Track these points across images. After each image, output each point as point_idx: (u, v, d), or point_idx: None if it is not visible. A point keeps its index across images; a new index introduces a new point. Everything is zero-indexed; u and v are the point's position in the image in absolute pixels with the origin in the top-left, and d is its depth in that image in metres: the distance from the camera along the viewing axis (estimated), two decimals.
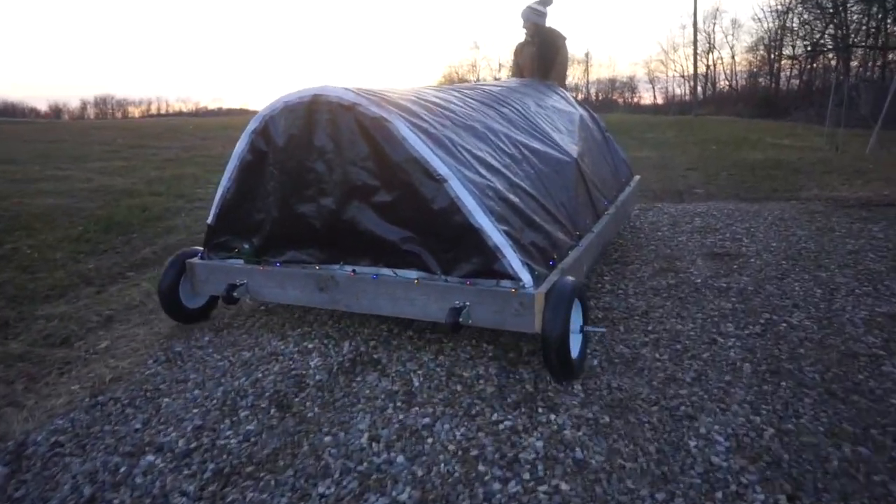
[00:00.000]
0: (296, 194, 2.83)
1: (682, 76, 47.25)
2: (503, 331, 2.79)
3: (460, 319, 2.45)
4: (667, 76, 52.68)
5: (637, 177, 5.17)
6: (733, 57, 47.03)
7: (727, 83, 44.30)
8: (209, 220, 3.13)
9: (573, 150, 3.72)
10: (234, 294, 3.00)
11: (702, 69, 45.48)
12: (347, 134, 2.65)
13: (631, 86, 55.48)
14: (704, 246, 4.48)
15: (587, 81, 57.19)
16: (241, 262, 3.05)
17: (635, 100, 54.58)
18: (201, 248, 3.22)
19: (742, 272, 3.87)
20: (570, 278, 2.52)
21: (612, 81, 56.74)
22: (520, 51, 5.40)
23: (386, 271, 2.70)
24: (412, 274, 2.65)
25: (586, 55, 57.15)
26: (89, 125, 21.45)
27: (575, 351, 2.48)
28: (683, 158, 10.17)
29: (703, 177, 7.93)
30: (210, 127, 20.14)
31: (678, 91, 50.01)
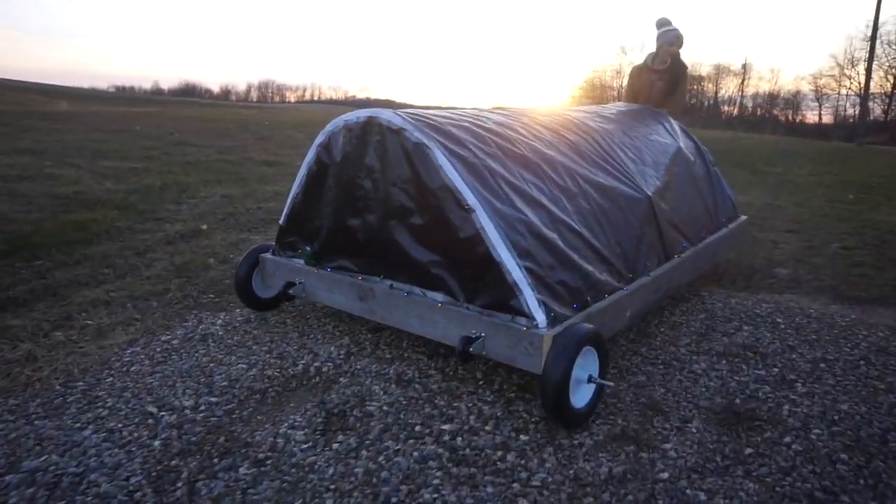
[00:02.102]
0: (347, 207, 3.01)
1: (858, 94, 41.14)
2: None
3: (471, 349, 2.47)
4: (839, 94, 46.76)
5: (743, 217, 4.76)
6: None
7: None
8: (281, 221, 3.41)
9: (650, 185, 3.54)
10: (291, 291, 3.26)
11: (887, 88, 39.58)
12: (393, 156, 2.78)
13: (794, 102, 50.58)
14: (724, 390, 2.78)
15: (741, 94, 53.15)
16: (303, 262, 3.30)
17: (798, 118, 49.56)
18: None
19: (759, 466, 2.24)
20: (587, 325, 2.44)
21: (773, 96, 52.12)
22: (637, 75, 5.17)
23: (418, 291, 2.79)
24: (439, 297, 2.71)
25: (743, 66, 53.20)
26: (186, 113, 19.82)
27: (579, 400, 2.39)
28: (794, 211, 7.29)
29: (804, 247, 5.47)
30: (292, 123, 17.67)
31: (851, 111, 44.44)
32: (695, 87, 51.25)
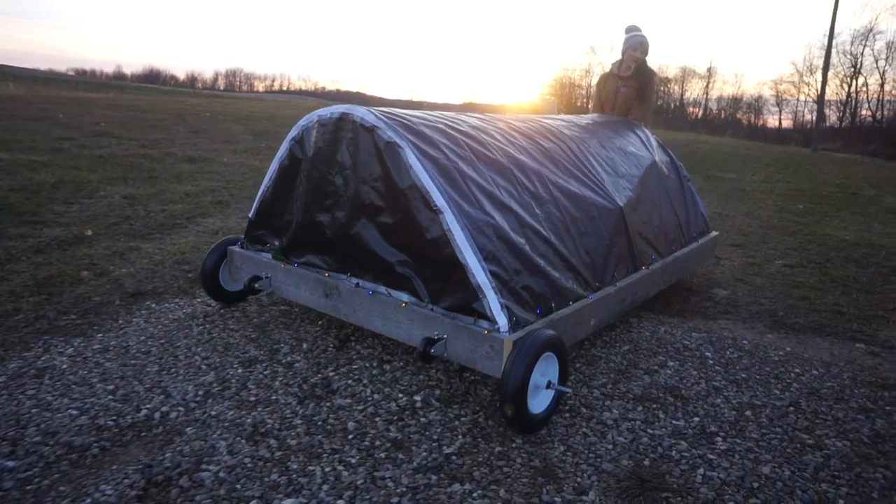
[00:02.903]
0: (316, 203, 2.99)
1: (815, 101, 42.98)
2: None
3: (432, 351, 2.46)
4: (798, 99, 48.20)
5: (714, 233, 4.82)
6: (882, 85, 40.75)
7: (870, 113, 39.53)
8: (250, 214, 3.38)
9: (623, 196, 3.57)
10: (257, 286, 3.22)
11: (842, 96, 40.43)
12: (364, 154, 2.76)
13: (756, 106, 51.85)
14: (634, 447, 2.40)
15: (706, 97, 54.25)
16: (270, 256, 3.27)
17: (759, 122, 50.86)
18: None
19: None
20: (549, 331, 2.44)
21: (736, 100, 53.35)
22: (603, 83, 5.10)
23: (383, 290, 2.78)
24: (404, 297, 2.70)
25: (709, 70, 54.50)
26: (139, 101, 18.07)
27: (537, 406, 2.40)
28: (741, 222, 7.22)
29: (746, 264, 5.30)
30: (236, 115, 16.28)
31: (809, 117, 45.63)
32: (662, 88, 52.25)
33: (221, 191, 6.87)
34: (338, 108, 2.89)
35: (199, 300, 3.69)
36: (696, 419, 2.66)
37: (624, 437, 2.47)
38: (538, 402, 2.42)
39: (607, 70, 5.15)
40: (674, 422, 2.62)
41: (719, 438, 2.51)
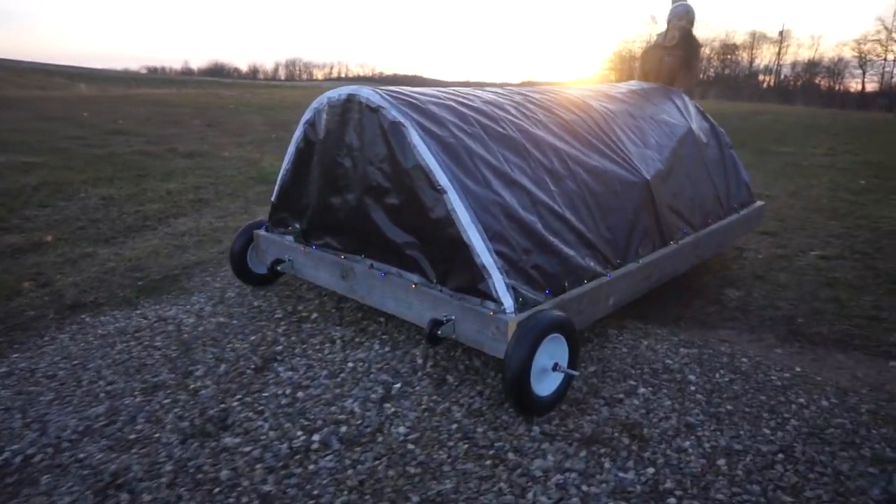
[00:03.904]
0: (329, 185, 3.00)
1: None
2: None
3: (439, 332, 2.44)
4: (885, 59, 44.08)
5: (759, 203, 4.55)
6: None
7: None
8: (273, 198, 3.43)
9: (651, 168, 3.42)
10: (280, 268, 3.28)
11: None
12: (371, 135, 2.74)
13: (836, 70, 47.67)
14: None
15: (778, 63, 50.69)
16: (292, 239, 3.31)
17: (840, 87, 46.89)
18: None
19: None
20: (556, 312, 2.37)
21: (813, 64, 49.27)
22: (648, 54, 5.01)
23: (395, 271, 2.77)
24: (414, 278, 2.69)
25: (781, 33, 50.87)
26: (168, 96, 17.93)
27: (544, 388, 2.35)
28: (784, 203, 6.29)
29: (774, 256, 4.54)
30: (262, 105, 15.99)
31: None
32: (728, 56, 49.48)
33: (207, 188, 6.49)
34: (345, 90, 2.87)
35: (138, 312, 3.37)
36: (651, 470, 2.09)
37: (548, 498, 1.95)
38: (545, 384, 2.37)
39: (652, 42, 5.06)
40: (620, 474, 2.07)
41: (673, 500, 1.96)
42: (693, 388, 2.66)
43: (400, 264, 2.74)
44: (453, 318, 2.48)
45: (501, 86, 3.34)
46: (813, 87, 47.09)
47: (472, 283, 2.45)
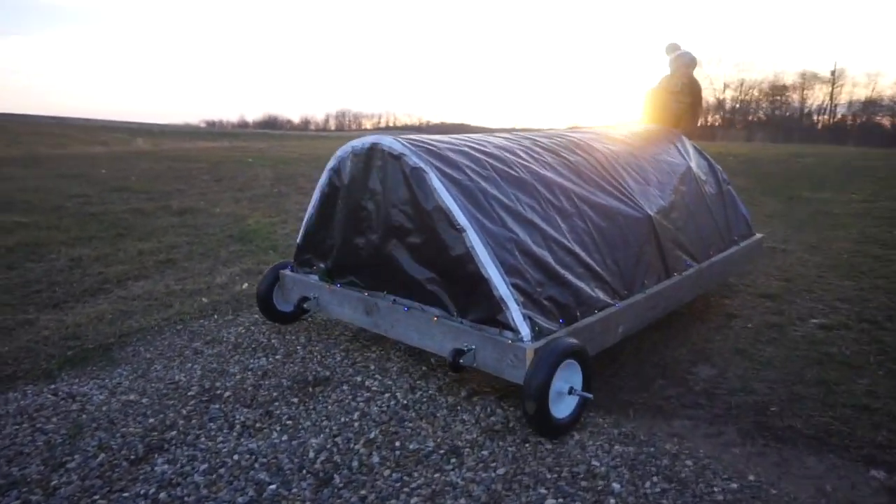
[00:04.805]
0: (353, 227, 3.22)
1: None
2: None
3: (461, 361, 2.63)
4: None
5: (758, 235, 4.76)
6: None
7: None
8: (298, 240, 3.65)
9: (653, 205, 3.64)
10: (305, 306, 3.49)
11: None
12: (393, 180, 2.98)
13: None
14: None
15: (832, 104, 49.40)
16: (317, 278, 3.52)
17: None
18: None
19: None
20: (570, 339, 2.56)
21: (871, 102, 47.98)
22: (653, 97, 5.28)
23: (417, 306, 2.97)
24: (435, 311, 2.88)
25: (833, 72, 49.66)
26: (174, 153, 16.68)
27: (561, 411, 2.52)
28: (797, 259, 5.67)
29: (766, 324, 3.95)
30: (278, 159, 15.37)
31: None
32: (777, 97, 49.43)
33: (182, 247, 6.15)
34: (368, 139, 3.12)
35: (52, 386, 3.12)
36: None
37: None
38: (562, 407, 2.54)
39: (654, 86, 5.35)
40: None
41: None
42: (613, 501, 2.19)
43: (422, 299, 2.94)
44: (474, 347, 2.66)
45: (544, 131, 3.59)
46: (871, 126, 46.11)
47: (490, 314, 2.64)
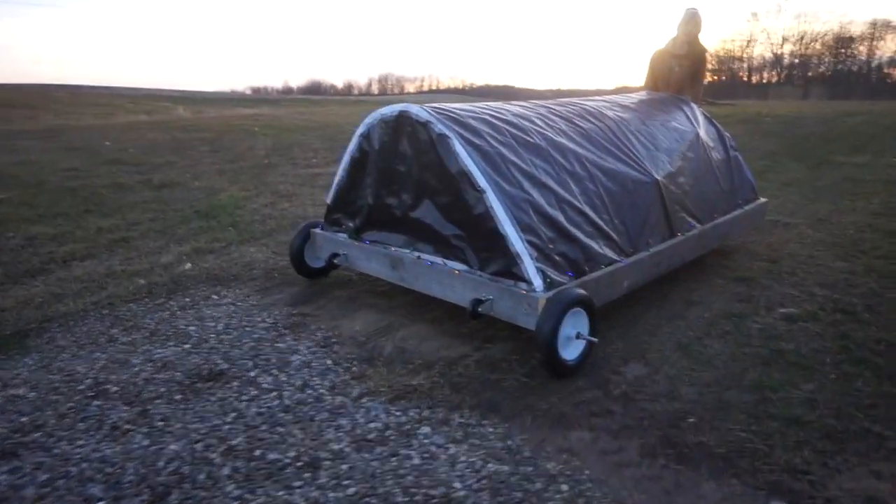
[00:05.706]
0: (383, 188, 3.51)
1: None
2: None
3: (480, 309, 2.94)
4: None
5: (762, 200, 4.98)
6: None
7: None
8: (328, 200, 3.95)
9: (661, 169, 3.88)
10: (336, 261, 3.80)
11: None
12: (422, 145, 3.25)
13: None
14: None
15: (868, 58, 45.42)
16: (346, 236, 3.83)
17: None
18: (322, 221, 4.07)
19: None
20: (578, 290, 2.86)
21: None
22: (658, 59, 5.33)
23: (439, 261, 3.27)
24: (458, 265, 3.18)
25: (873, 24, 46.15)
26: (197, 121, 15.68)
27: (569, 353, 2.83)
28: (797, 234, 5.27)
29: (721, 315, 3.58)
30: (283, 127, 14.32)
31: None
32: (842, 50, 45.13)
33: (142, 224, 5.75)
34: (396, 107, 3.38)
35: None
36: None
37: None
38: (570, 350, 2.85)
39: (661, 47, 5.37)
40: None
41: None
42: None
43: (446, 254, 3.24)
44: (491, 297, 2.97)
45: (595, 93, 3.77)
46: None
47: (507, 267, 2.93)
